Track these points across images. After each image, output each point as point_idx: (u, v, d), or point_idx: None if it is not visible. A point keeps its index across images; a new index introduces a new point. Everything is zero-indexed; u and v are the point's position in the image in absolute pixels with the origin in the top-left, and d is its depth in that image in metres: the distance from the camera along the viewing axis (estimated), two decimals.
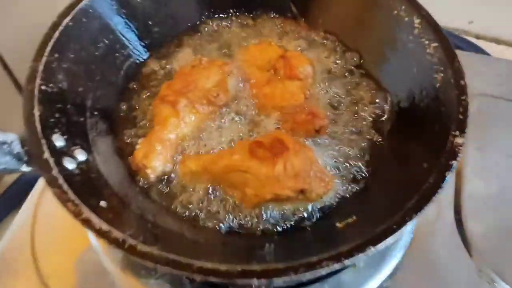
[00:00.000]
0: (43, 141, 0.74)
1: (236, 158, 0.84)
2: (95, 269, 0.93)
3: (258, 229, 0.81)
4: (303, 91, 0.92)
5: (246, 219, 0.82)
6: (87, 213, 0.68)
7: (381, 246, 0.66)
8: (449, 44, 0.87)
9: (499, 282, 0.88)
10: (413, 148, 0.82)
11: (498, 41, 1.63)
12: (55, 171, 0.72)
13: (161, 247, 0.67)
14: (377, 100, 0.96)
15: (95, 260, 0.91)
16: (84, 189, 0.74)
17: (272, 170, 0.80)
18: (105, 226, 0.67)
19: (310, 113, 0.88)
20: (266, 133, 0.89)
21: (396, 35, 0.95)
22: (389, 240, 0.66)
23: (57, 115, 0.81)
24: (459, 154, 0.73)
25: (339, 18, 1.06)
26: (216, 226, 0.82)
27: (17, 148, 0.71)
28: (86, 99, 0.91)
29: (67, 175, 0.73)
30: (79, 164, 0.79)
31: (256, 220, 0.82)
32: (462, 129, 0.76)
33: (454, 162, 0.72)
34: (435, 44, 0.88)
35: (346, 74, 1.01)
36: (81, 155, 0.81)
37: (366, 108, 0.95)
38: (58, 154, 0.76)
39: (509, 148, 1.03)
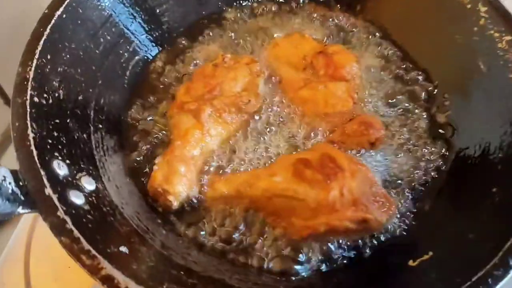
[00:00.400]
0: (43, 172, 0.58)
1: (279, 180, 0.70)
2: None
3: (308, 268, 0.67)
4: (350, 94, 0.78)
5: (293, 254, 0.68)
6: (107, 267, 0.53)
7: None
8: None
9: None
10: (492, 169, 0.68)
11: None
12: (60, 212, 0.56)
13: None
14: (437, 106, 0.82)
15: None
16: (99, 231, 0.59)
17: (326, 196, 0.66)
18: (132, 285, 0.52)
19: (363, 123, 0.74)
20: (311, 147, 0.75)
21: (457, 26, 0.81)
22: None
23: (55, 133, 0.66)
24: None
25: (383, 4, 0.91)
26: (258, 265, 0.67)
27: (10, 186, 0.55)
28: (88, 109, 0.75)
29: (76, 214, 0.58)
30: (88, 196, 0.63)
31: (304, 256, 0.68)
32: None
33: None
34: (509, 38, 0.74)
35: (394, 72, 0.86)
36: (88, 184, 0.65)
37: (424, 119, 0.81)
38: (62, 186, 0.60)
39: None
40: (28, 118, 0.62)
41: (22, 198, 0.56)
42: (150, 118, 0.81)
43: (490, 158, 0.70)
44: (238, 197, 0.71)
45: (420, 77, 0.85)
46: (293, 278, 0.66)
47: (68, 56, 0.73)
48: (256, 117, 0.78)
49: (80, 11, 0.76)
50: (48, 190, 0.57)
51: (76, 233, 0.55)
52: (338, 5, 0.95)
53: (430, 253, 0.64)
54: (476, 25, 0.78)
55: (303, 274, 0.66)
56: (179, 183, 0.71)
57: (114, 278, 0.52)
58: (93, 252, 0.54)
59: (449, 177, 0.75)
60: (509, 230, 0.57)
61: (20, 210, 0.56)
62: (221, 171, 0.74)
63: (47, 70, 0.69)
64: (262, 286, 0.63)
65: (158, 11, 0.88)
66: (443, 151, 0.77)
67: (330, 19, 0.92)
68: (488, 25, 0.77)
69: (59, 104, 0.69)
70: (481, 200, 0.66)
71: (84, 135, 0.71)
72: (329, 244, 0.68)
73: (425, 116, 0.81)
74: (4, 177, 0.55)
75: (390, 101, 0.82)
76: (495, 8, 0.77)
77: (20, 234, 0.87)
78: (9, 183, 0.55)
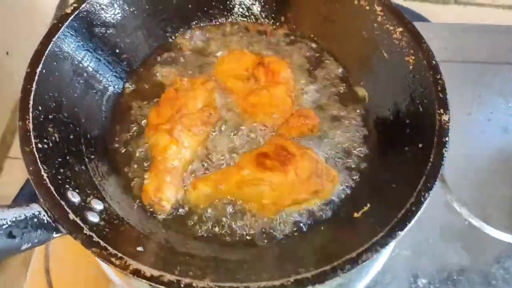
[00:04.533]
0: (63, 203, 0.74)
1: (246, 173, 0.87)
2: None
3: (283, 234, 0.86)
4: (288, 94, 0.97)
5: (269, 227, 0.87)
6: (133, 263, 0.70)
7: (407, 228, 0.74)
8: (414, 27, 0.94)
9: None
10: (403, 132, 0.90)
11: None
12: (86, 230, 0.72)
13: (212, 278, 0.70)
14: (356, 90, 1.03)
15: None
16: (117, 239, 0.75)
17: (285, 178, 0.85)
18: (155, 272, 0.69)
19: (301, 116, 0.94)
20: (266, 142, 0.93)
21: (362, 24, 1.01)
22: (413, 221, 0.74)
23: (61, 170, 0.80)
24: (449, 130, 0.82)
25: (302, 14, 1.10)
26: (246, 239, 0.86)
27: (45, 217, 0.70)
28: (80, 145, 0.89)
29: (97, 229, 0.74)
30: (100, 214, 0.79)
31: (278, 225, 0.87)
32: (445, 107, 0.85)
33: (447, 139, 0.81)
34: (400, 29, 0.95)
35: (318, 69, 1.06)
36: (97, 205, 0.80)
37: (347, 102, 1.02)
38: (80, 210, 0.75)
39: (468, 106, 1.16)
40: (39, 162, 0.76)
41: (54, 225, 0.72)
42: (130, 139, 0.96)
43: (401, 124, 0.92)
44: (216, 192, 0.89)
45: (339, 70, 1.06)
46: (272, 242, 0.85)
47: (54, 104, 0.86)
48: (218, 126, 0.96)
49: (55, 64, 0.89)
50: (72, 215, 0.72)
51: (102, 243, 0.71)
52: (266, 20, 1.14)
53: (368, 205, 0.85)
54: (375, 22, 0.99)
55: (279, 238, 0.85)
56: (168, 190, 0.87)
57: (140, 270, 0.69)
58: (120, 254, 0.70)
59: (374, 143, 0.96)
60: (418, 178, 0.78)
61: (54, 235, 0.72)
62: (199, 174, 0.92)
63: (41, 119, 0.82)
64: (249, 255, 0.82)
65: (117, 50, 1.02)
66: (365, 123, 0.98)
67: (263, 34, 1.11)
68: (384, 21, 0.97)
69: (57, 146, 0.83)
70: (398, 157, 0.88)
71: (83, 167, 0.86)
72: (292, 213, 0.88)
73: (347, 99, 1.01)
74: (39, 211, 0.70)
75: (318, 92, 1.02)
76: (387, 6, 0.97)
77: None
78: (44, 215, 0.70)
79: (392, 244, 0.74)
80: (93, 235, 0.71)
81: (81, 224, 0.72)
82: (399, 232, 0.73)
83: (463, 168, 1.07)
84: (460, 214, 1.02)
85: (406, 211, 0.75)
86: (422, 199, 0.76)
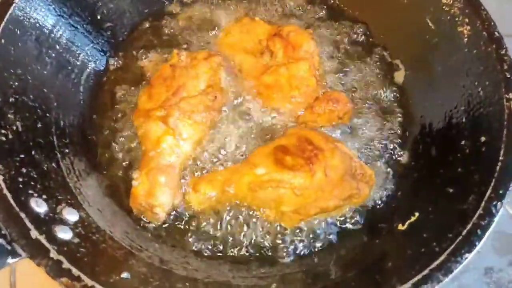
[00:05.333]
0: (23, 215, 0.56)
1: (261, 172, 0.70)
2: None
3: (309, 249, 0.69)
4: (312, 73, 0.78)
5: (290, 240, 0.70)
6: None
7: (477, 249, 0.57)
8: None
9: None
10: (457, 122, 0.72)
11: None
12: (53, 253, 0.55)
13: None
14: (393, 68, 0.85)
15: None
16: (96, 262, 0.59)
17: (311, 179, 0.68)
18: None
19: (330, 99, 0.76)
20: (285, 133, 0.75)
21: None
22: (484, 240, 0.57)
23: (24, 170, 0.63)
24: None
25: None
26: (263, 255, 0.69)
27: None
28: (50, 135, 0.72)
29: (69, 251, 0.57)
30: (74, 227, 0.61)
31: (302, 238, 0.70)
32: None
33: None
34: None
35: (347, 42, 0.87)
36: (71, 215, 0.64)
37: (383, 83, 0.84)
38: (46, 224, 0.59)
39: None
40: None
41: (9, 247, 0.54)
42: (116, 128, 0.79)
43: (453, 112, 0.74)
44: (223, 196, 0.71)
45: (373, 44, 0.88)
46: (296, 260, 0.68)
47: (16, 83, 0.69)
48: (224, 111, 0.78)
49: (18, 32, 0.71)
50: (34, 233, 0.56)
51: (75, 271, 0.54)
52: None
53: (417, 214, 0.67)
54: None
55: (304, 254, 0.69)
56: (162, 194, 0.70)
57: None
58: (98, 286, 0.53)
59: (418, 135, 0.78)
60: (485, 182, 0.61)
61: (9, 260, 0.54)
62: (201, 172, 0.74)
63: None
64: (266, 279, 0.65)
65: (99, 17, 0.83)
66: (406, 110, 0.81)
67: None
68: None
69: (19, 137, 0.66)
70: (452, 154, 0.70)
71: (53, 164, 0.68)
72: (319, 224, 0.70)
73: (383, 82, 0.83)
74: None
75: (348, 72, 0.84)
76: None
77: None
78: None
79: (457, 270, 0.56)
80: (63, 259, 0.54)
81: (47, 245, 0.55)
82: (467, 255, 0.57)
83: None
84: None
85: (473, 226, 0.59)
86: (494, 211, 0.59)
